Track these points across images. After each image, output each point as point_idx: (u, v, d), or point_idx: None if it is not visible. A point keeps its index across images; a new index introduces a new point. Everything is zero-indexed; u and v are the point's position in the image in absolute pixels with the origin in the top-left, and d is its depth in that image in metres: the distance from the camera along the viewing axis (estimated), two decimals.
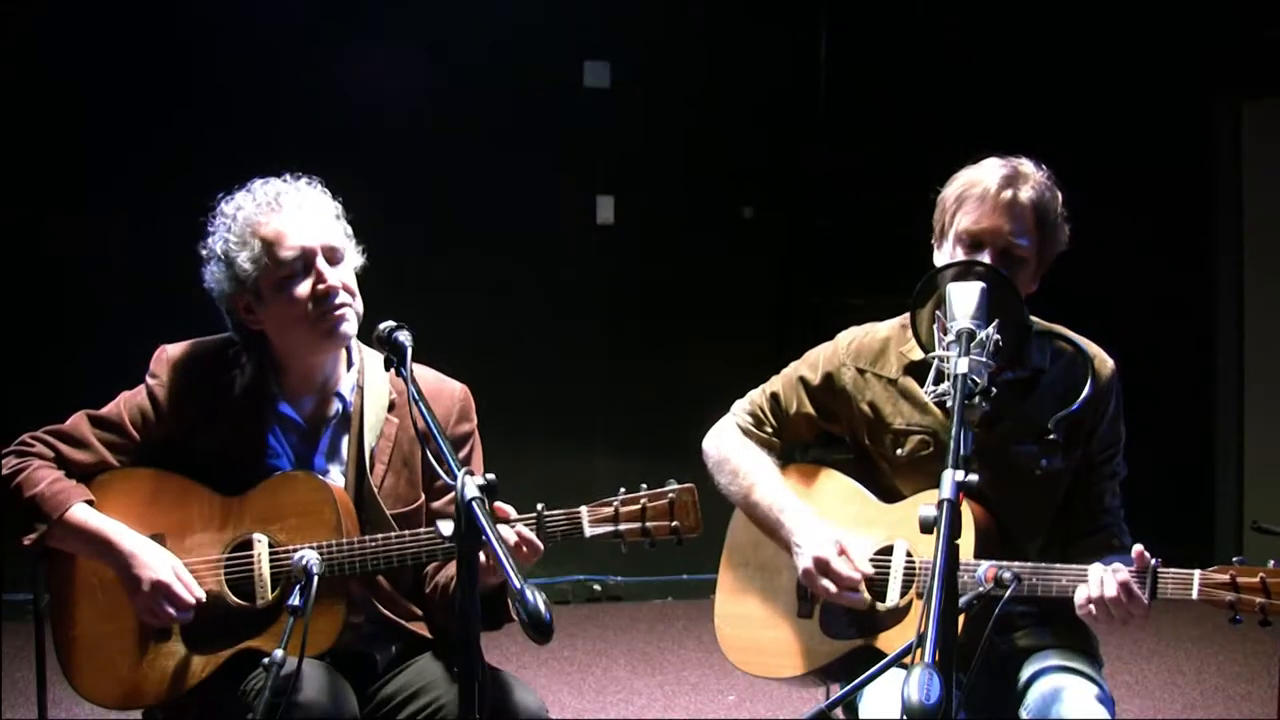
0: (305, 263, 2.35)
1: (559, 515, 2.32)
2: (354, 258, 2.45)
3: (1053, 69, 6.32)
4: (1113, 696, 2.38)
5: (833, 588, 2.42)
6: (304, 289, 2.35)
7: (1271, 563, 2.16)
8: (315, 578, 2.19)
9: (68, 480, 2.36)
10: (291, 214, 2.37)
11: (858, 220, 6.25)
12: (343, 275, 2.39)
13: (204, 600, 2.32)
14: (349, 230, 2.46)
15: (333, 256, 2.39)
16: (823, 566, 2.43)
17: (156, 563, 2.31)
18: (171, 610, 2.30)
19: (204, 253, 2.43)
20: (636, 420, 6.05)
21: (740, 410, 2.71)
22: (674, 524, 2.33)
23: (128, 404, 2.45)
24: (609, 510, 2.33)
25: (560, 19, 6.02)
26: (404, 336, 2.21)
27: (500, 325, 5.90)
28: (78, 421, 2.43)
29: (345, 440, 2.46)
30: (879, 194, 5.82)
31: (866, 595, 2.43)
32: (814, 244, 6.43)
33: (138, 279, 5.28)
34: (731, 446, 2.66)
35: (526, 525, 2.29)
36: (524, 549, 2.26)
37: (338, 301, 2.36)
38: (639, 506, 2.33)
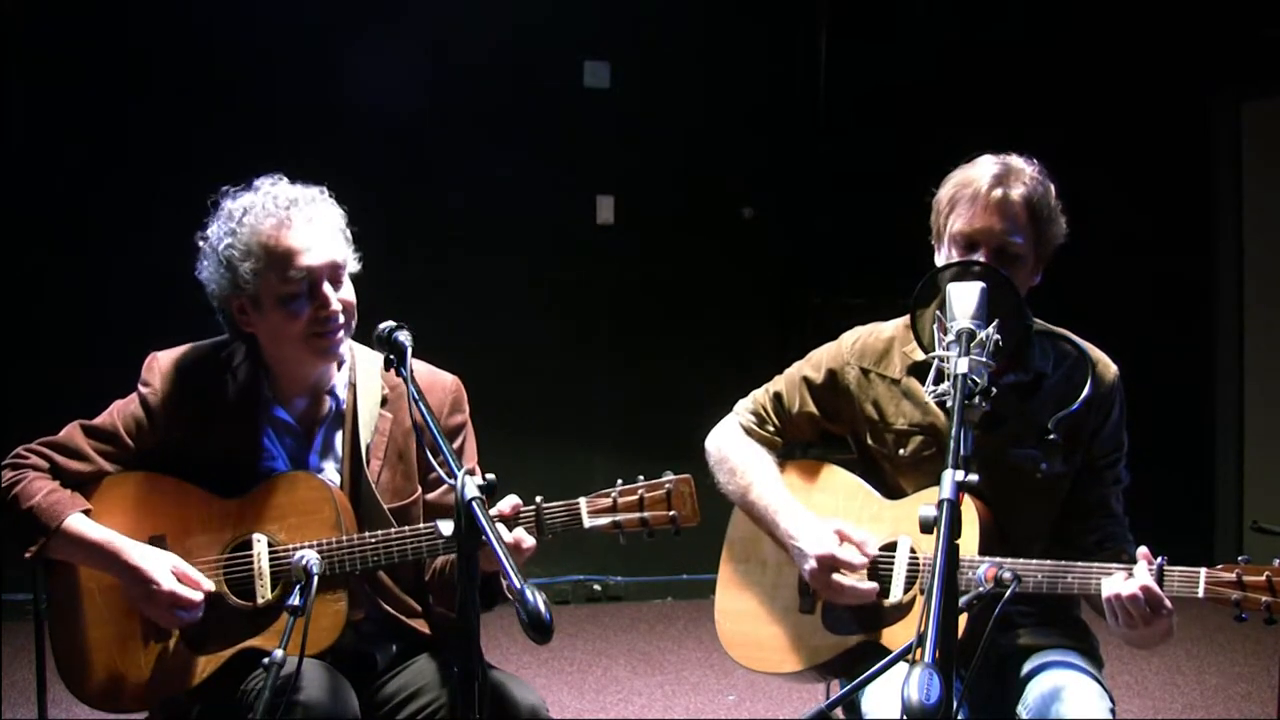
0: (309, 283, 2.34)
1: (558, 507, 2.33)
2: (353, 266, 2.43)
3: (1052, 68, 6.32)
4: (1113, 696, 2.38)
5: (845, 581, 2.41)
6: (304, 308, 2.34)
7: (1277, 561, 2.16)
8: (315, 577, 2.19)
9: (64, 490, 2.34)
10: (300, 230, 2.34)
11: (858, 220, 6.25)
12: (344, 294, 2.38)
13: (211, 591, 2.31)
14: (350, 238, 2.43)
15: (336, 276, 2.37)
16: (829, 562, 2.42)
17: (159, 571, 2.28)
18: (182, 614, 2.29)
19: (201, 245, 2.40)
20: (636, 420, 6.05)
21: (743, 409, 2.71)
22: (671, 513, 2.34)
23: (121, 413, 2.43)
24: (607, 501, 2.34)
25: (560, 19, 6.03)
26: (404, 336, 2.21)
27: (500, 325, 5.89)
28: (72, 432, 2.41)
29: (339, 437, 2.46)
30: (879, 194, 5.80)
31: (874, 584, 2.43)
32: (814, 244, 6.44)
33: (130, 285, 5.27)
34: (732, 445, 2.66)
35: (525, 517, 2.30)
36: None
37: (336, 325, 2.35)
38: (636, 497, 2.34)
